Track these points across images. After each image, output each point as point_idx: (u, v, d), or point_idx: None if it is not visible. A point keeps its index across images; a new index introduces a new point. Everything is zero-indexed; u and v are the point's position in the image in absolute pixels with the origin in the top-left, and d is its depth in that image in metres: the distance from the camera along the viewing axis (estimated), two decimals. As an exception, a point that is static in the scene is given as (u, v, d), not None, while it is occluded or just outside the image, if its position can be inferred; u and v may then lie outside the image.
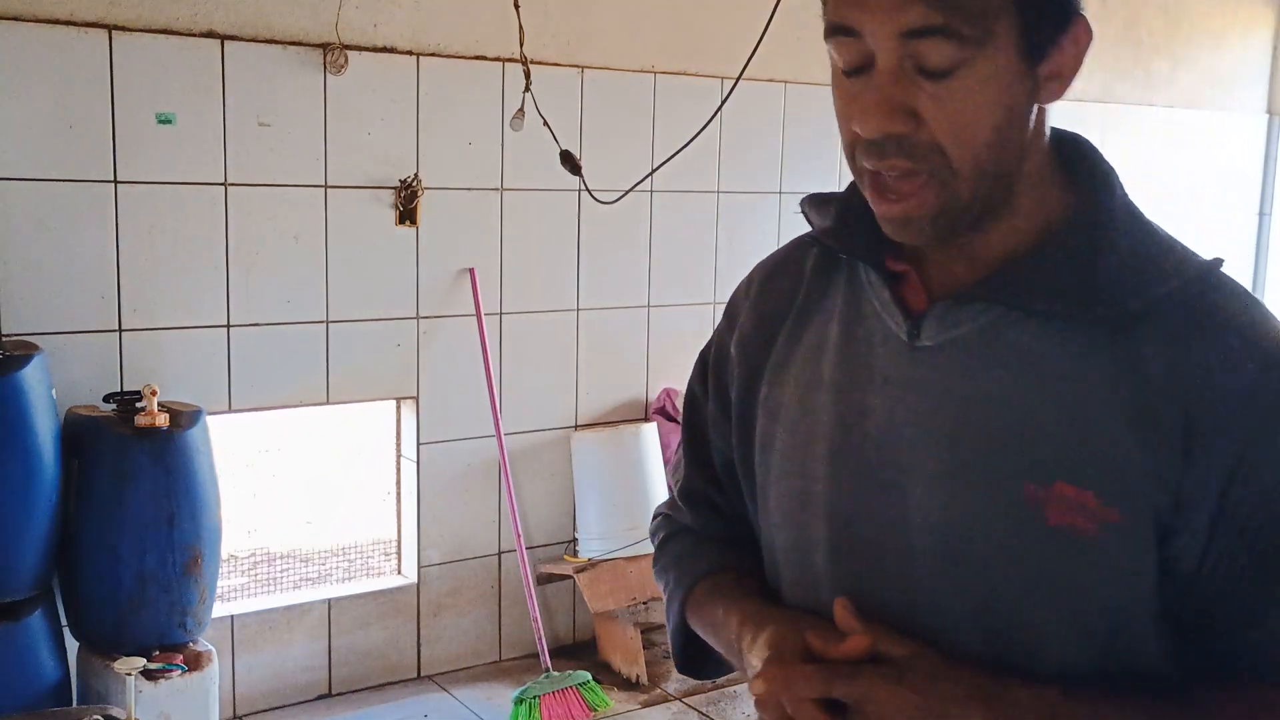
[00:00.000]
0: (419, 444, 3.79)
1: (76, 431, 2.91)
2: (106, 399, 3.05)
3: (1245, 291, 0.95)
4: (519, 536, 3.82)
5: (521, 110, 3.52)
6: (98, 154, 3.17)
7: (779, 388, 1.07)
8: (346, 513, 4.07)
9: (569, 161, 3.56)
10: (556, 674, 3.63)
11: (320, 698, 3.68)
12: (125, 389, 3.14)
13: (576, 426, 4.06)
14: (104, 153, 3.17)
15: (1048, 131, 0.98)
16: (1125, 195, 0.98)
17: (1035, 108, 0.94)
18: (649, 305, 4.12)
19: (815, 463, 1.02)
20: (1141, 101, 5.47)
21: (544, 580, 4.01)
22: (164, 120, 3.24)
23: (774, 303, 1.11)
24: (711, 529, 1.22)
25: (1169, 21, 5.48)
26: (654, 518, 1.30)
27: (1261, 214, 6.05)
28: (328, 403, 3.61)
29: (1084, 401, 0.91)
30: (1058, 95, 0.94)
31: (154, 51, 3.21)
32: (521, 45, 3.42)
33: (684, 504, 1.24)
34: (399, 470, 3.88)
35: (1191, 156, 5.68)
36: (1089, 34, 0.93)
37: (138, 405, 2.97)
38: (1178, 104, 5.59)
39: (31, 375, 2.74)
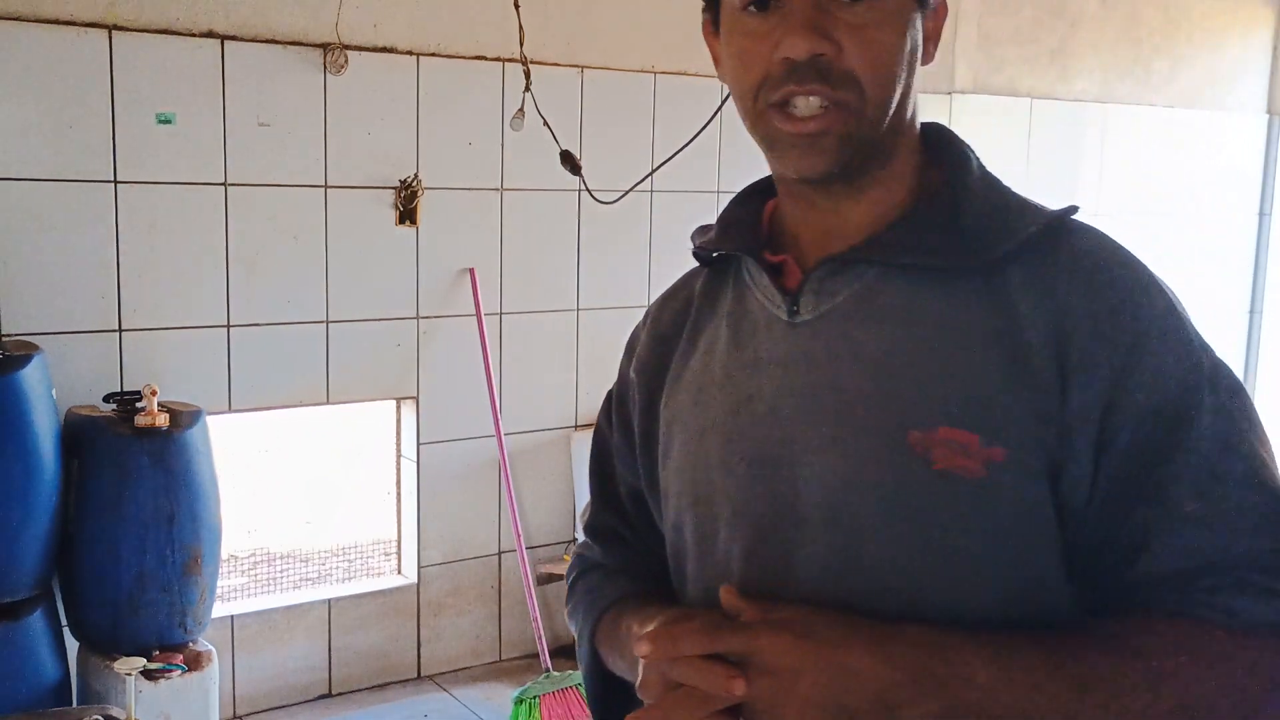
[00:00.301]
0: (419, 444, 3.79)
1: (76, 431, 2.91)
2: (106, 399, 3.05)
3: (1099, 230, 1.00)
4: (519, 536, 3.82)
5: (521, 110, 3.51)
6: (98, 154, 3.17)
7: (675, 397, 1.10)
8: (346, 513, 4.07)
9: (569, 161, 3.56)
10: (556, 674, 3.62)
11: (320, 698, 3.68)
12: (125, 389, 3.14)
13: (576, 426, 4.06)
14: (104, 153, 3.18)
15: (919, 107, 1.04)
16: (983, 167, 1.04)
17: (918, 67, 1.00)
18: (649, 305, 4.12)
19: (710, 455, 1.04)
20: (1141, 101, 5.47)
21: (544, 580, 4.01)
22: (164, 120, 3.24)
23: (668, 325, 1.15)
24: (621, 562, 1.21)
25: (1169, 21, 5.48)
26: (572, 558, 1.30)
27: (1261, 214, 6.05)
28: (328, 403, 3.61)
29: (960, 347, 0.94)
30: (931, 58, 1.02)
31: (154, 51, 3.21)
32: (521, 45, 3.42)
33: (592, 540, 1.24)
34: (399, 470, 3.88)
35: (1191, 156, 5.68)
36: (946, 10, 1.03)
37: (138, 405, 2.97)
38: (1178, 104, 5.59)
39: (31, 375, 2.74)
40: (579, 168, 3.56)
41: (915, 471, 0.93)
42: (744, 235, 1.08)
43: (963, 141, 1.06)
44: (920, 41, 0.99)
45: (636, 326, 1.22)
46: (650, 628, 0.98)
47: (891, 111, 0.98)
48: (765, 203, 1.12)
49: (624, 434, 1.18)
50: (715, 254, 1.12)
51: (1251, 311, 6.12)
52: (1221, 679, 0.88)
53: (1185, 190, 5.67)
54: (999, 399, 0.92)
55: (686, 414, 1.08)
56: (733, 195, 1.16)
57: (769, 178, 1.12)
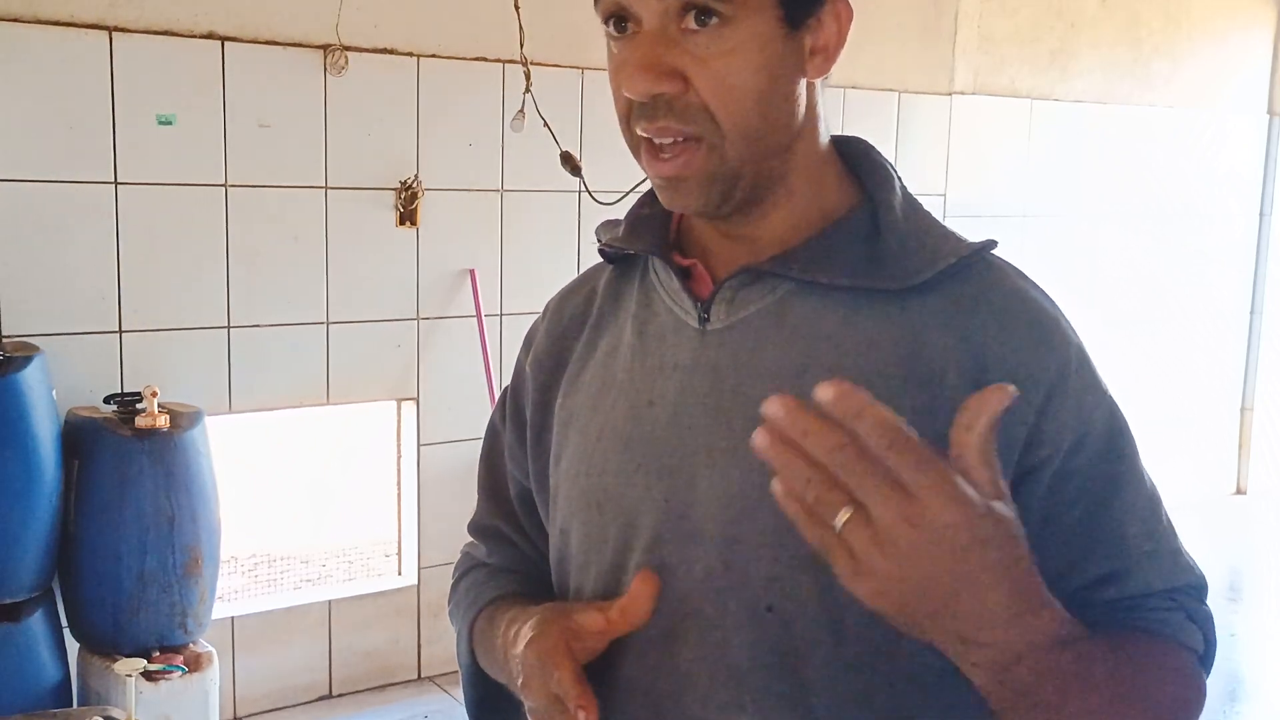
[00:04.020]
0: (419, 444, 3.79)
1: (77, 433, 2.91)
2: (107, 400, 3.05)
3: (1015, 267, 1.00)
4: (519, 537, 3.81)
5: (522, 111, 3.52)
6: (98, 155, 3.17)
7: (573, 397, 1.07)
8: (346, 513, 4.07)
9: (569, 162, 3.56)
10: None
11: (320, 699, 3.68)
12: (125, 390, 3.14)
13: (577, 427, 4.06)
14: (104, 154, 3.18)
15: (823, 118, 0.99)
16: (905, 188, 1.02)
17: (804, 83, 0.96)
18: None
19: (604, 459, 1.01)
20: (1141, 101, 5.47)
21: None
22: (164, 121, 3.24)
23: (568, 321, 1.12)
24: (506, 562, 1.18)
25: (1169, 21, 5.48)
26: (460, 556, 1.25)
27: (1262, 215, 6.05)
28: (328, 403, 3.61)
29: (872, 373, 0.93)
30: (824, 71, 0.96)
31: (154, 53, 3.21)
32: (522, 46, 3.42)
33: (478, 539, 1.21)
34: (399, 470, 3.87)
35: (1191, 157, 5.68)
36: (849, 12, 0.96)
37: (138, 406, 2.97)
38: (1178, 104, 5.59)
39: (32, 376, 2.75)
40: (579, 169, 3.57)
41: None
42: (653, 236, 1.05)
43: (884, 158, 1.03)
44: (801, 58, 0.94)
45: (536, 320, 1.18)
46: (526, 635, 0.95)
47: (763, 139, 0.93)
48: None
49: (517, 431, 1.14)
50: (621, 252, 1.08)
51: (1252, 312, 6.12)
52: (1183, 679, 0.97)
53: (1185, 191, 5.67)
54: (911, 426, 0.91)
55: (583, 415, 1.04)
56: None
57: None
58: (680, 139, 0.93)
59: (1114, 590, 0.97)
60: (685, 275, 1.02)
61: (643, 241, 1.05)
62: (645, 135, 0.95)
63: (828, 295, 0.96)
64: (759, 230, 0.99)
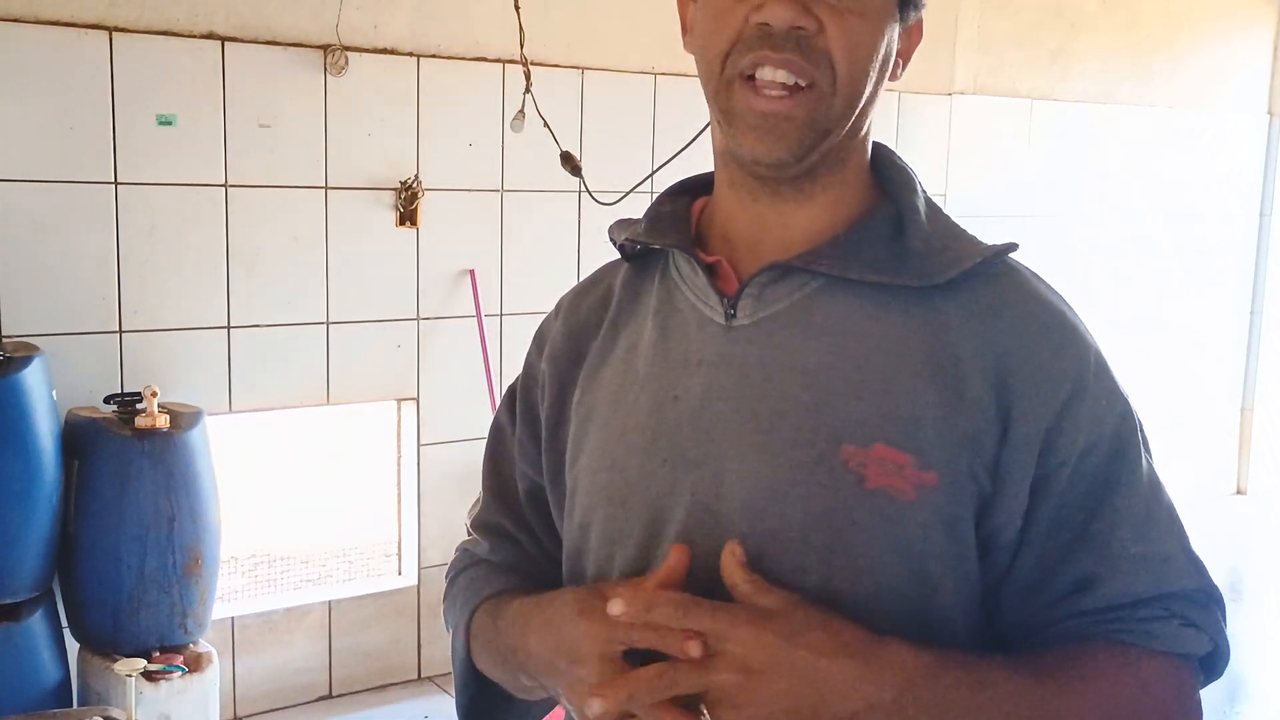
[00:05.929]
0: (419, 444, 3.79)
1: (77, 433, 2.91)
2: (107, 400, 3.06)
3: (1033, 271, 1.02)
4: (519, 537, 3.81)
5: (522, 111, 3.52)
6: (98, 155, 3.17)
7: (592, 393, 1.06)
8: (346, 513, 4.07)
9: (569, 162, 3.56)
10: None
11: (320, 699, 3.68)
12: (126, 390, 3.14)
13: (577, 427, 4.06)
14: (104, 154, 3.18)
15: (873, 125, 1.03)
16: (926, 193, 1.04)
17: (885, 76, 1.00)
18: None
19: (628, 453, 1.00)
20: (1141, 101, 5.47)
21: (544, 581, 4.01)
22: (164, 121, 3.24)
23: (585, 318, 1.11)
24: (508, 559, 1.17)
25: (1169, 21, 5.48)
26: (457, 552, 1.23)
27: (1262, 214, 6.06)
28: (328, 403, 3.62)
29: (898, 369, 0.94)
30: (896, 76, 1.02)
31: (154, 53, 3.21)
32: (522, 46, 3.42)
33: (481, 536, 1.19)
34: (399, 470, 3.88)
35: (1191, 157, 5.68)
36: (920, 35, 1.04)
37: (138, 406, 2.97)
38: (1178, 104, 5.60)
39: (32, 377, 2.75)
40: (579, 169, 3.56)
41: (845, 486, 0.92)
42: (676, 231, 1.05)
43: (908, 165, 1.06)
44: (893, 52, 0.99)
45: (547, 317, 1.18)
46: (576, 605, 0.96)
47: (859, 110, 0.97)
48: (694, 201, 1.09)
49: (529, 428, 1.13)
50: (640, 247, 1.08)
51: (1252, 312, 6.12)
52: (1148, 697, 0.94)
53: (1185, 191, 5.67)
54: (933, 424, 0.92)
55: (604, 411, 1.04)
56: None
57: (699, 176, 1.10)
58: (794, 81, 0.94)
59: (1093, 597, 0.94)
60: (710, 272, 1.02)
61: (667, 237, 1.05)
62: (749, 69, 0.94)
63: (854, 292, 0.97)
64: (800, 212, 1.00)
